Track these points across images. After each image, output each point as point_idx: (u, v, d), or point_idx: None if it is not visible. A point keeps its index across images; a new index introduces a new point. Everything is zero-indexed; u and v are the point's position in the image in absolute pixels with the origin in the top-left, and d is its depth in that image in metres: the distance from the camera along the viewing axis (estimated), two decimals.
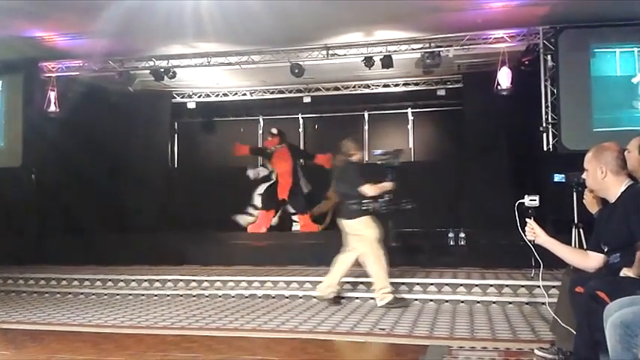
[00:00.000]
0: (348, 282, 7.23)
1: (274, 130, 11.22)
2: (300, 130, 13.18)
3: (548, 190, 7.39)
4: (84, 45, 9.60)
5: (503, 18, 8.79)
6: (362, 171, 6.39)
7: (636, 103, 8.78)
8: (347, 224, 6.39)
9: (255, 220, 11.12)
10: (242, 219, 11.16)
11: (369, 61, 9.77)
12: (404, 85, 12.18)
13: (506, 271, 7.49)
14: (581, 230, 6.40)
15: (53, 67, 10.70)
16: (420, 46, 9.71)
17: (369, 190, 6.18)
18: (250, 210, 11.22)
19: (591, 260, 3.57)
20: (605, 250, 3.47)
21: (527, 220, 3.70)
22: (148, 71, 10.61)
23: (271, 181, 11.19)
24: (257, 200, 11.21)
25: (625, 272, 3.23)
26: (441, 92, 11.98)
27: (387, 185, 6.28)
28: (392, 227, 6.99)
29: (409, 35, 9.59)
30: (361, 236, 6.28)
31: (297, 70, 10.07)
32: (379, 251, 6.23)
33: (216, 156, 12.60)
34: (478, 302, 6.55)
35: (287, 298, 7.11)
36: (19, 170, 10.30)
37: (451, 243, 8.56)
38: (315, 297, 6.73)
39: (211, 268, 8.49)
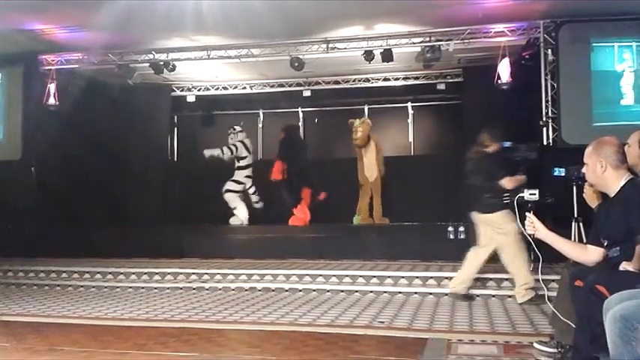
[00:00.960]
0: (347, 275, 7.25)
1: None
2: (300, 123, 13.16)
3: (547, 184, 7.40)
4: (83, 38, 9.58)
5: (503, 12, 8.76)
6: (500, 163, 6.20)
7: (622, 100, 8.80)
8: (485, 218, 6.15)
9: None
10: (237, 219, 11.11)
11: (369, 55, 9.73)
12: (404, 79, 12.12)
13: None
14: (580, 224, 6.41)
15: (53, 60, 10.66)
16: (420, 39, 9.68)
17: (508, 182, 5.97)
18: (236, 211, 11.12)
19: (591, 254, 3.58)
20: (605, 244, 3.48)
21: (526, 214, 3.71)
22: (148, 64, 10.58)
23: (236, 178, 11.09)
24: (233, 205, 11.08)
25: (624, 266, 3.24)
26: (441, 86, 11.93)
27: (523, 178, 6.07)
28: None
29: (409, 29, 9.56)
30: (502, 230, 6.03)
31: (297, 64, 10.04)
32: (520, 245, 5.96)
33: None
34: (478, 295, 6.56)
35: (287, 291, 7.14)
36: (18, 163, 10.30)
37: (451, 237, 8.55)
38: (447, 294, 6.51)
39: (211, 261, 8.50)
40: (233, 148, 11.05)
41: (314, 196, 10.45)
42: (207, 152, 11.15)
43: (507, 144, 6.50)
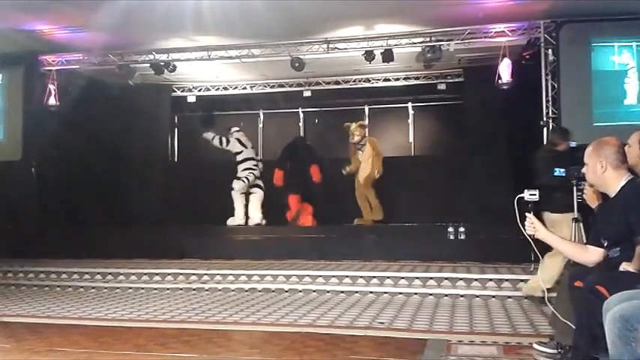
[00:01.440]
0: (347, 276, 7.24)
1: None
2: (301, 124, 13.16)
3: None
4: (84, 38, 9.59)
5: (504, 12, 8.76)
6: (572, 162, 5.87)
7: (623, 100, 8.78)
8: (554, 217, 5.98)
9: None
10: (233, 220, 11.07)
11: (369, 55, 9.71)
12: (404, 79, 12.09)
13: (505, 265, 7.50)
14: (580, 225, 6.39)
15: (53, 61, 10.65)
16: (421, 39, 9.66)
17: None
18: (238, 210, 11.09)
19: (591, 254, 3.56)
20: (605, 244, 3.46)
21: (526, 214, 3.70)
22: (148, 65, 10.57)
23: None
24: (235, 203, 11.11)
25: (624, 266, 3.23)
26: (442, 86, 11.91)
27: None
28: None
29: (410, 29, 9.54)
30: (562, 230, 5.75)
31: (297, 64, 10.03)
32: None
33: (217, 150, 12.56)
34: (477, 296, 6.56)
35: (286, 292, 7.13)
36: (19, 164, 10.29)
37: (451, 237, 8.56)
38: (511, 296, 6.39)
39: (211, 261, 8.51)
40: (224, 140, 11.25)
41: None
42: (205, 134, 11.53)
43: (573, 144, 6.49)
